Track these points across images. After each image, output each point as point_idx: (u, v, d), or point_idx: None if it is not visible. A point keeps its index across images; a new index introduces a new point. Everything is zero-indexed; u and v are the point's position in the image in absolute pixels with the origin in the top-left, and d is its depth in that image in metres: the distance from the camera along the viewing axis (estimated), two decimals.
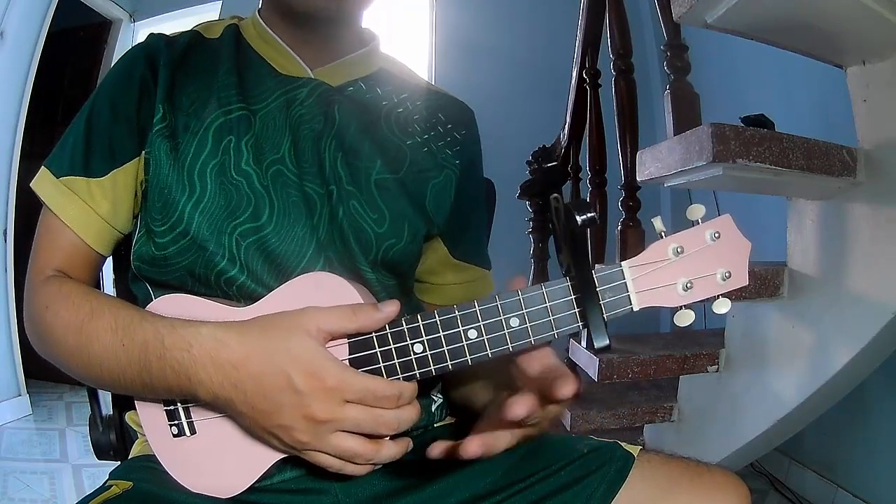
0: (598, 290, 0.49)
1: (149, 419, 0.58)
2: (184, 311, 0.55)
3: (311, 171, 0.64)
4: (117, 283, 0.78)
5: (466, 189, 0.74)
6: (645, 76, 2.25)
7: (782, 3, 1.01)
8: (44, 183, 0.63)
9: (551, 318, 0.50)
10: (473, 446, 0.47)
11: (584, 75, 1.80)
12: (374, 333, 0.52)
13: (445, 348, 0.51)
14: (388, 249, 0.65)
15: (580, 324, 0.49)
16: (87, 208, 0.62)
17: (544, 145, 2.08)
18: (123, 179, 0.63)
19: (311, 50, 0.68)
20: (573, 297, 0.49)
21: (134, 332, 0.53)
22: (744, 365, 1.38)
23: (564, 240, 0.50)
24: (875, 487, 1.60)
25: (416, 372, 0.52)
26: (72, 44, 3.17)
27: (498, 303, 0.50)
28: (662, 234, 0.49)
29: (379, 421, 0.51)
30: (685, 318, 0.50)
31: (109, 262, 0.72)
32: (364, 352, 0.52)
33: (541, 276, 2.01)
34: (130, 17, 3.28)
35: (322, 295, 0.54)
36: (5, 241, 2.58)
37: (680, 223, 0.51)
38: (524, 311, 0.50)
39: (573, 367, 1.48)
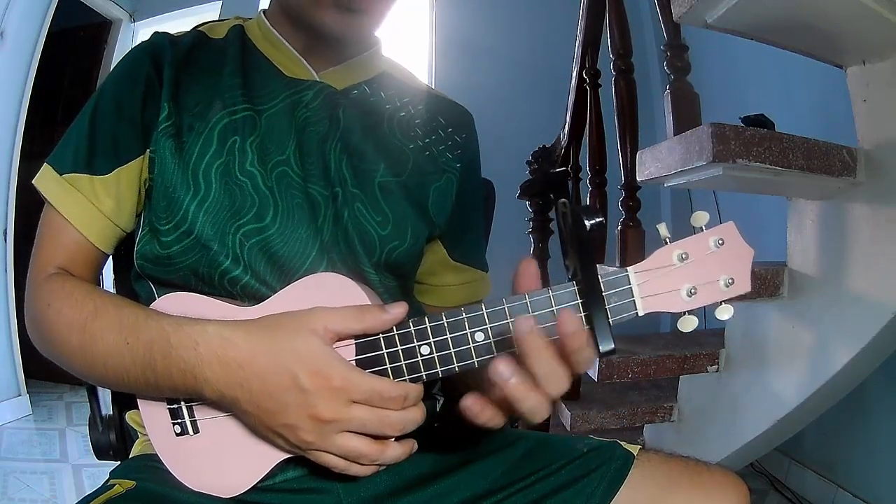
0: (604, 294, 0.49)
1: (151, 418, 0.58)
2: (188, 310, 0.54)
3: (316, 173, 0.64)
4: (118, 283, 0.77)
5: (466, 192, 0.75)
6: (645, 76, 2.24)
7: (782, 3, 1.01)
8: (46, 180, 0.62)
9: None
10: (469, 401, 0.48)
11: (584, 75, 1.80)
12: (381, 335, 0.52)
13: (452, 350, 0.51)
14: (391, 251, 0.66)
15: (585, 328, 0.49)
16: (90, 206, 0.61)
17: (544, 145, 2.07)
18: (127, 177, 0.63)
19: (316, 53, 0.68)
20: (579, 301, 0.49)
21: (139, 331, 0.53)
22: (744, 365, 1.38)
23: (571, 244, 0.50)
24: (875, 487, 1.60)
25: (423, 374, 0.52)
26: (72, 44, 3.17)
27: (505, 305, 0.50)
28: (667, 240, 0.50)
29: (385, 422, 0.51)
30: (689, 324, 0.50)
31: (109, 263, 0.71)
32: (371, 353, 0.52)
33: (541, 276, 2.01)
34: (130, 17, 3.28)
35: (329, 295, 0.54)
36: (5, 240, 2.58)
37: (680, 223, 0.51)
38: (531, 314, 0.50)
39: None
